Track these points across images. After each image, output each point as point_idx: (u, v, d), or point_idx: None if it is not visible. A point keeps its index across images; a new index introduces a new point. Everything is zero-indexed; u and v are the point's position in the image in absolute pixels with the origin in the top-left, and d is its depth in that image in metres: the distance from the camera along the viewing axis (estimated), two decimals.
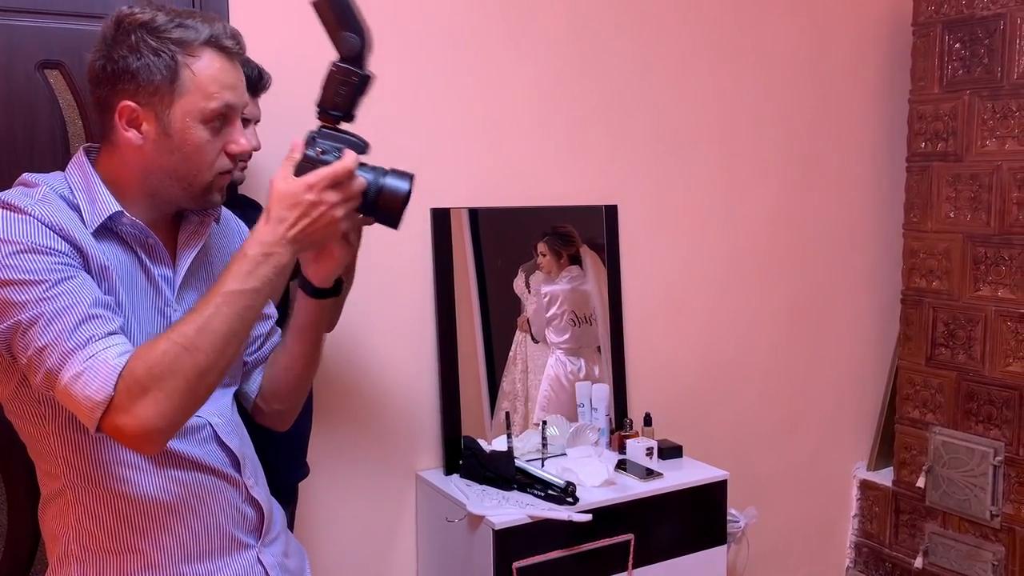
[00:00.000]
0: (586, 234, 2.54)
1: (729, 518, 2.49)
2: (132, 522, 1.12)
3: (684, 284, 2.70)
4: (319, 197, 1.07)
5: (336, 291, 1.24)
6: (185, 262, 1.18)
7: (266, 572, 1.24)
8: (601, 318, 2.56)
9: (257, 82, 1.68)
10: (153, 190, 1.13)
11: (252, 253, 1.05)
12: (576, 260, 2.54)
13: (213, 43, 1.09)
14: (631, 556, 2.13)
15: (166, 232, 1.18)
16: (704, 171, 2.70)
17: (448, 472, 2.28)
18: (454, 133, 2.28)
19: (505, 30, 2.33)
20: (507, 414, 2.37)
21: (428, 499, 2.26)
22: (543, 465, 2.29)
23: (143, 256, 1.13)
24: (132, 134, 1.09)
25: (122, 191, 1.12)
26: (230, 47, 1.11)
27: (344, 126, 1.15)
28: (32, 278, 0.99)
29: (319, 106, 1.13)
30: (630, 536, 2.13)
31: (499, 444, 2.33)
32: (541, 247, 2.49)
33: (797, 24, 2.83)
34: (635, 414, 2.56)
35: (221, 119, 1.11)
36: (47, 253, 1.01)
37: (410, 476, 2.29)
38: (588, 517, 2.02)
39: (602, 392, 2.47)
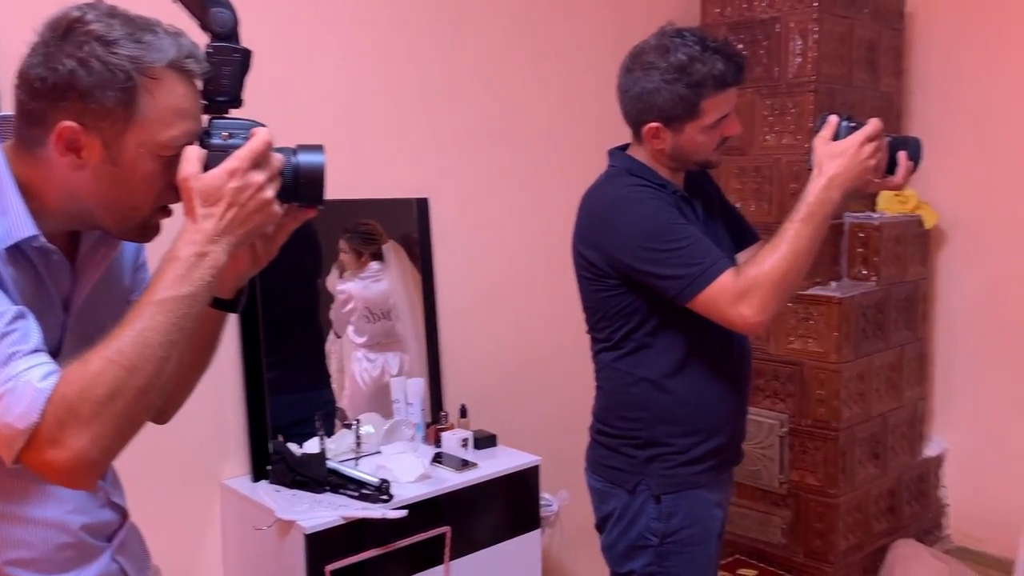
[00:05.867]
0: (397, 228, 2.51)
1: (543, 502, 2.56)
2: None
3: (497, 276, 2.73)
4: (244, 181, 0.96)
5: (234, 305, 1.14)
6: (92, 274, 1.05)
7: (122, 569, 1.15)
8: (408, 313, 2.54)
9: None
10: (79, 214, 0.99)
11: (184, 255, 0.93)
12: (379, 257, 2.51)
13: (176, 65, 0.96)
14: (447, 548, 2.13)
15: (66, 239, 1.03)
16: (514, 164, 2.74)
17: (256, 479, 2.18)
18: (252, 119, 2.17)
19: (309, 11, 2.26)
20: (316, 415, 2.30)
21: (234, 509, 2.15)
22: (357, 464, 2.25)
23: (42, 268, 0.99)
24: (69, 159, 0.94)
25: (39, 203, 0.96)
26: (194, 70, 0.98)
27: (233, 113, 1.05)
28: None
29: (205, 97, 1.03)
30: (446, 529, 2.13)
31: (311, 446, 2.26)
32: (342, 244, 2.44)
33: (599, 23, 2.93)
34: (451, 407, 2.56)
35: (178, 150, 0.98)
36: None
37: (214, 486, 2.17)
38: (403, 513, 1.99)
39: (417, 387, 2.45)
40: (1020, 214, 3.04)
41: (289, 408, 2.29)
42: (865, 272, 2.95)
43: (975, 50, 3.11)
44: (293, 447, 2.20)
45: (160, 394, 0.93)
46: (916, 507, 3.18)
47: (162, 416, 1.21)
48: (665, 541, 1.69)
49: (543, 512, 2.56)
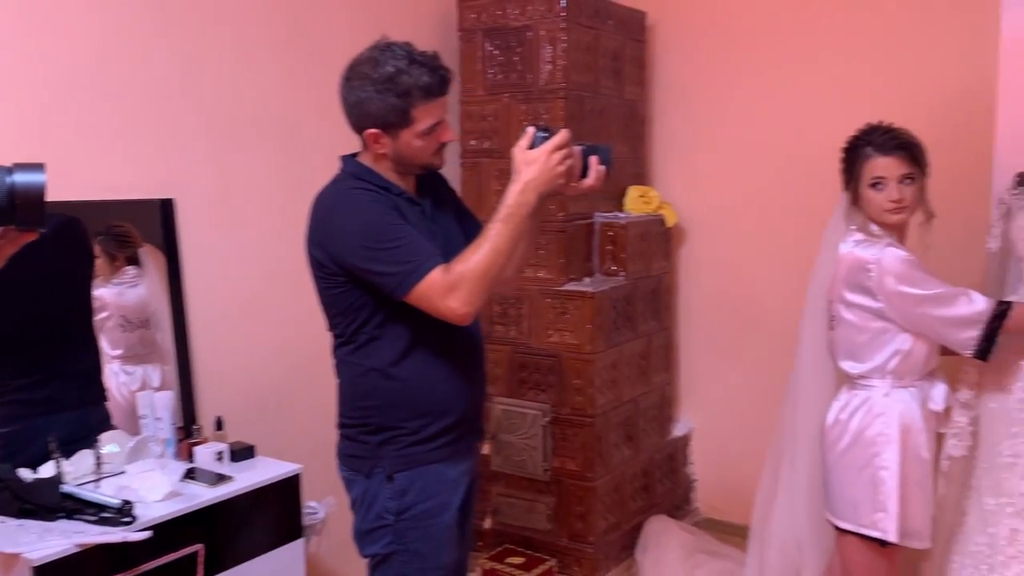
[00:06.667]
0: (143, 231, 2.37)
1: (308, 510, 2.51)
2: None
3: (253, 280, 2.63)
4: None
5: None
6: None
7: None
8: (169, 322, 2.42)
9: None
10: None
11: None
12: (135, 261, 2.37)
13: None
14: (200, 567, 2.03)
15: None
16: (269, 165, 2.66)
17: None
18: None
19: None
20: (50, 436, 2.10)
21: None
22: (99, 487, 2.09)
23: None
24: None
25: None
26: None
27: None
28: None
29: None
30: (199, 547, 2.03)
31: (47, 470, 2.07)
32: (96, 248, 2.29)
33: (357, 24, 2.89)
34: (207, 419, 2.45)
35: None
36: None
37: None
38: (146, 535, 1.87)
39: (165, 400, 2.31)
40: (748, 212, 3.36)
41: (60, 427, 2.12)
42: (614, 268, 3.15)
43: (709, 62, 3.40)
44: (24, 472, 2.01)
45: None
46: (667, 484, 3.44)
47: None
48: (401, 518, 1.79)
49: (308, 520, 2.51)
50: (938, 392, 2.10)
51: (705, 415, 3.58)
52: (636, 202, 3.29)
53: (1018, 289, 2.24)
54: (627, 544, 3.17)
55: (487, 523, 3.12)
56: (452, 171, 3.21)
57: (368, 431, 1.81)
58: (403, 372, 1.77)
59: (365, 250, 1.68)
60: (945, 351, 2.11)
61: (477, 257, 1.65)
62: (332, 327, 1.85)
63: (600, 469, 3.01)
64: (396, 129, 1.72)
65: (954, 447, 2.27)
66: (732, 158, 3.38)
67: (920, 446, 2.07)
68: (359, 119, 1.75)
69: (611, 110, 3.20)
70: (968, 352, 2.04)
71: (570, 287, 3.01)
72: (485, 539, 3.16)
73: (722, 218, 3.43)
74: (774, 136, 3.27)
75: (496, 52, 3.06)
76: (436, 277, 1.64)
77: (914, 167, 2.06)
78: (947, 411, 2.15)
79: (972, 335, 2.01)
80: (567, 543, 3.02)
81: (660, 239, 3.36)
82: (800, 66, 3.19)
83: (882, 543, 2.06)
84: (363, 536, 1.85)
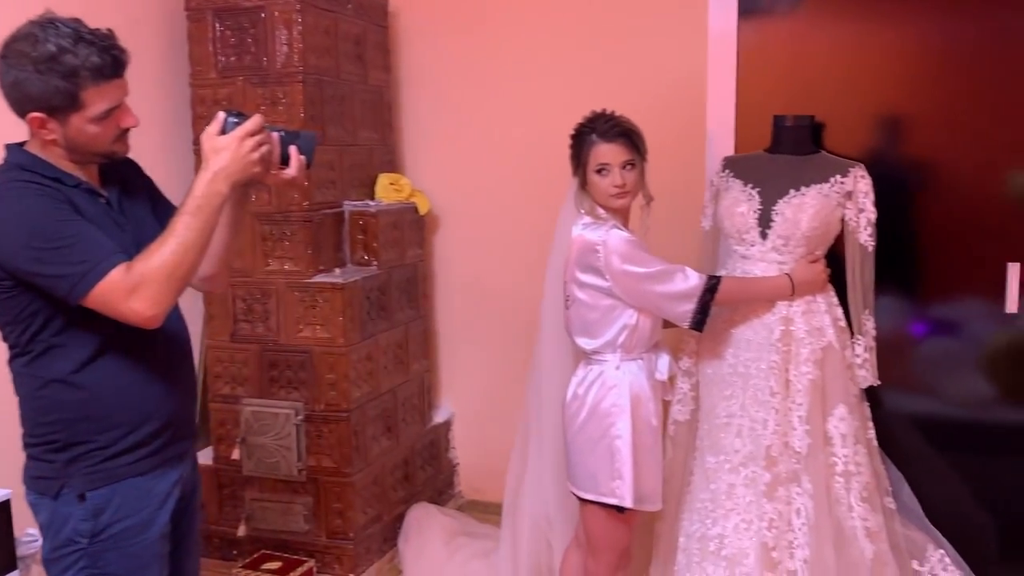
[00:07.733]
0: None
1: (27, 538, 2.27)
2: None
3: None
4: None
5: None
6: None
7: None
8: None
9: None
10: None
11: None
12: None
13: None
14: None
15: None
16: None
17: None
18: None
19: None
20: None
21: None
22: None
23: None
24: None
25: None
26: None
27: None
28: None
29: None
30: None
31: None
32: None
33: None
34: None
35: None
36: None
37: None
38: None
39: None
40: (497, 198, 3.42)
41: None
42: (367, 257, 3.09)
43: (453, 49, 3.41)
44: None
45: None
46: (429, 471, 3.45)
47: None
48: (96, 539, 1.64)
49: (26, 549, 2.26)
50: (663, 362, 2.24)
51: (465, 399, 3.62)
52: (387, 190, 3.26)
53: (727, 264, 2.44)
54: (389, 535, 3.14)
55: (241, 531, 2.97)
56: (186, 159, 3.01)
57: (54, 449, 1.64)
58: (88, 380, 1.62)
59: (29, 251, 1.51)
60: (667, 324, 2.26)
61: (162, 254, 1.53)
62: (4, 337, 1.65)
63: (358, 463, 2.95)
64: (64, 113, 1.55)
65: (679, 412, 2.46)
66: (479, 145, 3.43)
67: (650, 414, 2.20)
68: (19, 102, 1.56)
69: (355, 96, 3.14)
70: (685, 324, 2.19)
71: (320, 279, 2.92)
72: (240, 547, 3.01)
73: (473, 204, 3.47)
74: (515, 123, 3.34)
75: (228, 33, 2.89)
76: (116, 278, 1.51)
77: (635, 153, 2.18)
78: (671, 379, 2.31)
79: (688, 308, 2.16)
80: (326, 541, 2.94)
81: (413, 227, 3.35)
82: (536, 55, 3.28)
83: (620, 509, 2.18)
84: (51, 564, 1.67)
